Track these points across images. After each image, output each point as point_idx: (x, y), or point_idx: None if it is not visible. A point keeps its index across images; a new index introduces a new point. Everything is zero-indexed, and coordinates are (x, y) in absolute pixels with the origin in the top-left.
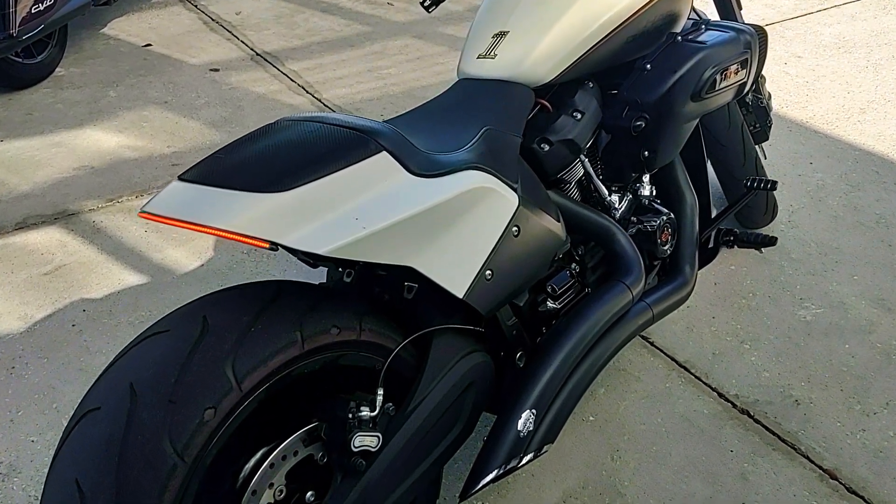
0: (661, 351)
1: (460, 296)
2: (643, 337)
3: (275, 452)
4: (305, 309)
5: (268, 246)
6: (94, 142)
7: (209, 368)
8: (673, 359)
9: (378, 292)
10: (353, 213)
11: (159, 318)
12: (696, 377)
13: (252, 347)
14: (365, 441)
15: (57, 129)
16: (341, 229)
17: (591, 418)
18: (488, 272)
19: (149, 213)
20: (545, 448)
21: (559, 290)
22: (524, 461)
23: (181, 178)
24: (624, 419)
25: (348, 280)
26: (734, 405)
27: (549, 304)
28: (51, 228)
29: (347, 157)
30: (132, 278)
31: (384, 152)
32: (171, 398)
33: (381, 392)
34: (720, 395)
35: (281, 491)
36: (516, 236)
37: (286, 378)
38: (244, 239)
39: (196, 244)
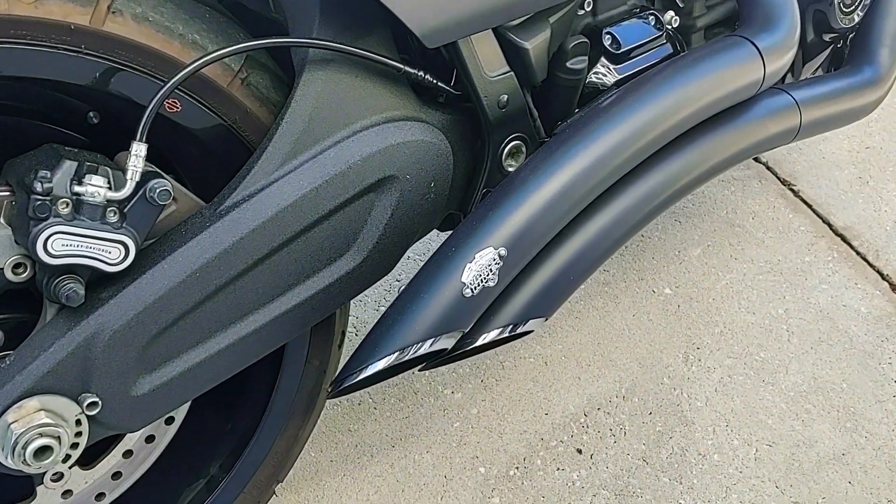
0: (808, 205)
1: None
2: (781, 179)
3: None
4: None
5: None
6: None
7: None
8: (826, 221)
9: None
10: None
11: None
12: (858, 254)
13: None
14: (84, 249)
15: None
16: None
17: (668, 291)
18: None
19: None
20: (526, 324)
21: (624, 45)
22: (477, 342)
23: None
24: (721, 301)
25: None
26: None
27: (602, 69)
28: None
29: None
30: None
31: None
32: None
33: (138, 150)
34: (893, 287)
35: None
36: None
37: None
38: None
39: None
